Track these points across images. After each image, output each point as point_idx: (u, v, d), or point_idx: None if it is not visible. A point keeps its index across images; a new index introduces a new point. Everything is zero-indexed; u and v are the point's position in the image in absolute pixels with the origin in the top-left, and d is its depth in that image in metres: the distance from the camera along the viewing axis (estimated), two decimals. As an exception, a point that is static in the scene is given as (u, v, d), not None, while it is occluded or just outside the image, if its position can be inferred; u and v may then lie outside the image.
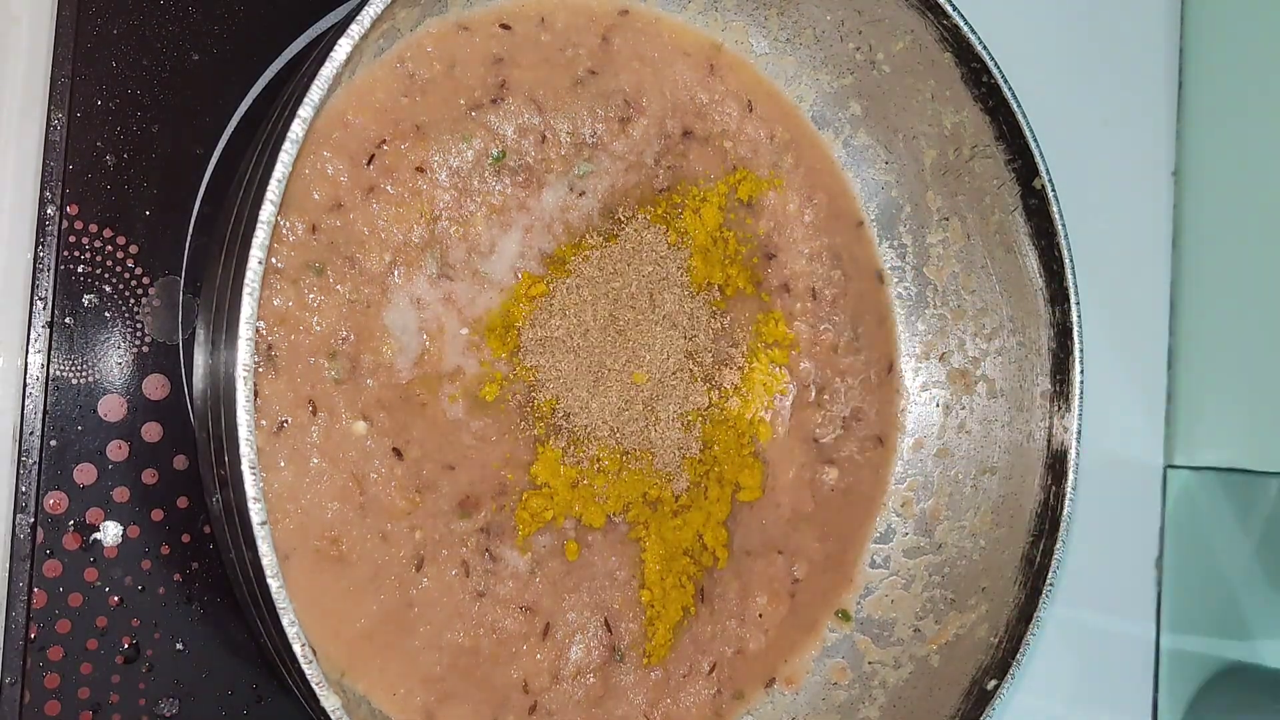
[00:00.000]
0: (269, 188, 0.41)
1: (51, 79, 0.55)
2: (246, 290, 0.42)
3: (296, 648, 0.42)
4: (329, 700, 0.44)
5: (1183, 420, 0.86)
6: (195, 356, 0.55)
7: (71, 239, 0.55)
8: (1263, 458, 0.82)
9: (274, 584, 0.42)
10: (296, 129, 0.42)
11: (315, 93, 0.42)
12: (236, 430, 0.42)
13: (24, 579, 0.53)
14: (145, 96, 0.57)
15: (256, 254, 0.41)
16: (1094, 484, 0.78)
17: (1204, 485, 0.87)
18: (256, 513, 0.42)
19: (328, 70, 0.42)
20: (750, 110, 0.64)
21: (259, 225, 0.42)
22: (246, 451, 0.42)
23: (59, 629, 0.54)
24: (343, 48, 0.43)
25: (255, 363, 0.43)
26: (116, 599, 0.55)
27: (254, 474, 0.42)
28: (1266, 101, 0.83)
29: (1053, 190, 0.58)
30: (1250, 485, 0.88)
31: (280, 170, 0.41)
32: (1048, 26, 0.83)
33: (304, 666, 0.43)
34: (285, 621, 0.43)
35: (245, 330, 0.42)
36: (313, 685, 0.43)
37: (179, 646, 0.57)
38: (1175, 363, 0.87)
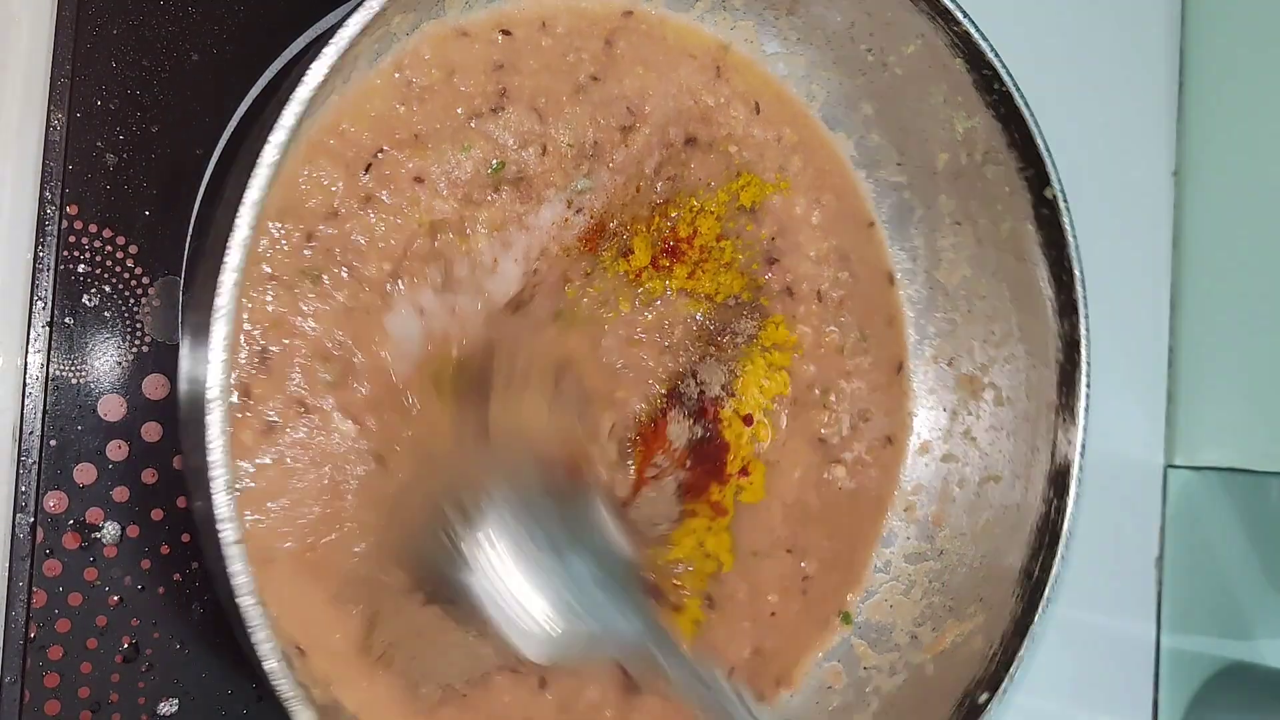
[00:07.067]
0: (239, 222, 0.41)
1: (51, 79, 0.55)
2: (220, 313, 0.42)
3: (269, 663, 0.43)
4: (302, 714, 0.44)
5: (1183, 420, 0.86)
6: (180, 363, 0.55)
7: (71, 239, 0.55)
8: (1263, 458, 0.82)
9: (247, 601, 0.43)
10: (270, 154, 0.41)
11: (289, 116, 0.42)
12: (207, 458, 0.42)
13: (24, 579, 0.54)
14: (145, 96, 0.57)
15: (231, 272, 0.41)
16: (1094, 483, 0.78)
17: (1204, 485, 0.86)
18: (229, 531, 0.42)
19: (303, 93, 0.42)
20: (758, 112, 0.63)
21: (231, 253, 0.41)
22: (219, 472, 0.42)
23: (59, 628, 0.54)
24: (315, 73, 0.43)
25: (232, 384, 0.43)
26: (116, 599, 0.55)
27: (228, 494, 0.42)
28: (1266, 101, 0.83)
29: (1064, 201, 0.58)
30: (1251, 485, 0.88)
31: (254, 194, 0.41)
32: (1047, 26, 0.83)
33: (274, 682, 0.44)
34: (261, 638, 0.43)
35: (218, 352, 0.42)
36: (284, 699, 0.44)
37: (179, 646, 0.57)
38: (1175, 363, 0.86)
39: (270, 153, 0.41)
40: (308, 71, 0.43)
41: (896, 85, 0.62)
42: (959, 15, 0.55)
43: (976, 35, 0.56)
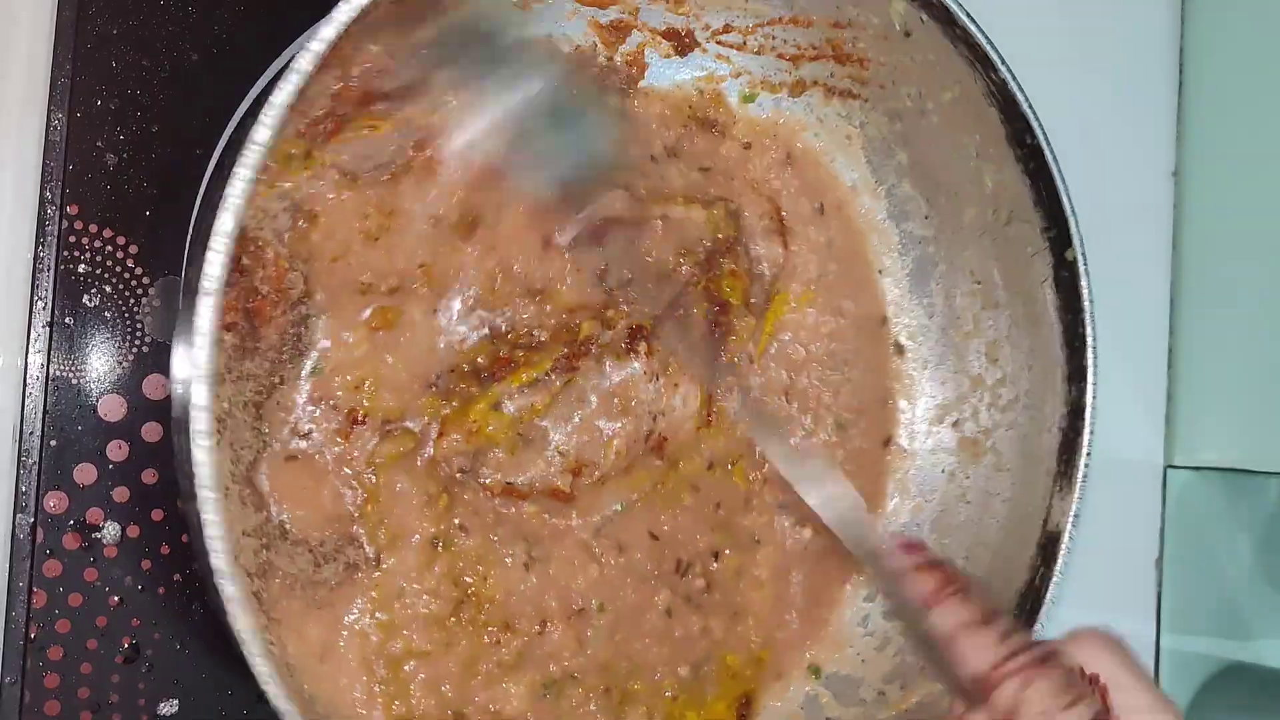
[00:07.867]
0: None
1: (51, 79, 0.54)
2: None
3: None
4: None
5: (1183, 420, 0.85)
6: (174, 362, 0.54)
7: (71, 239, 0.55)
8: (1263, 458, 0.81)
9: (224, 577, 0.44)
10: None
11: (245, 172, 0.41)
12: (195, 482, 0.41)
13: (24, 579, 0.55)
14: (145, 96, 0.56)
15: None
16: (1094, 484, 0.77)
17: (1204, 485, 0.86)
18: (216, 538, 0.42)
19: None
20: (821, 213, 0.62)
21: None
22: (206, 494, 0.42)
23: (59, 629, 0.55)
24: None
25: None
26: (116, 599, 0.56)
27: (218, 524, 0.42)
28: (1266, 101, 0.80)
29: (1084, 264, 0.56)
30: (1250, 485, 0.87)
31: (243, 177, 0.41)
32: (1046, 26, 0.80)
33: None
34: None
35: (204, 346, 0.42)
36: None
37: (179, 647, 0.58)
38: (1175, 363, 0.85)
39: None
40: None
41: (933, 133, 0.60)
42: (997, 62, 0.53)
43: (1013, 84, 0.53)
